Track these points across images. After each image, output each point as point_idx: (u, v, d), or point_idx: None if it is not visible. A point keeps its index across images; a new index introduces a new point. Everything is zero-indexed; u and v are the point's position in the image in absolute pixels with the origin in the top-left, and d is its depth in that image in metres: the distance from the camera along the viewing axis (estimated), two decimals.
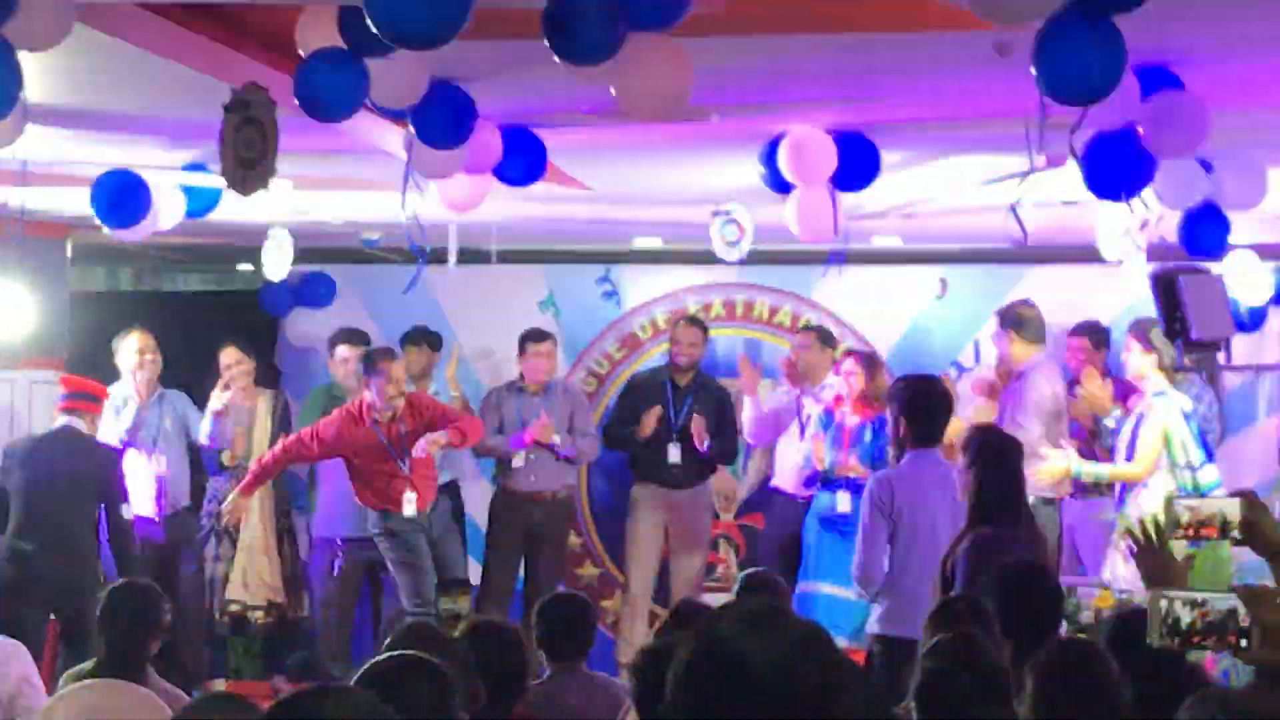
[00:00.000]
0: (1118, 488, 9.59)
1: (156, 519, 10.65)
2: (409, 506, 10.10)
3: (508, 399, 11.23)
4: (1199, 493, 9.14)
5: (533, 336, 11.35)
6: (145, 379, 10.72)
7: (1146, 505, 9.14)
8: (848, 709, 2.79)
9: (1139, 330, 9.76)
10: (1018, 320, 10.35)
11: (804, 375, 11.17)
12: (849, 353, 11.00)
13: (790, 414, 11.10)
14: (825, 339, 11.39)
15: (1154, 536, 4.72)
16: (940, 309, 12.06)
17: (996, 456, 7.01)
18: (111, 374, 10.90)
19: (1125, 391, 10.03)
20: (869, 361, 10.76)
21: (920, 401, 7.59)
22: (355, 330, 11.48)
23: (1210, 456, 9.55)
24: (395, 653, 3.91)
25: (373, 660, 3.78)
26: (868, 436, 10.52)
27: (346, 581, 11.05)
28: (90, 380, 10.11)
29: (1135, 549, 4.78)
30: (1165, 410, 9.47)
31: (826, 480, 10.52)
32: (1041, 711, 4.10)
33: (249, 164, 5.80)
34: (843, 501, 10.46)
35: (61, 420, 9.77)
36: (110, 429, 10.53)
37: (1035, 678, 4.28)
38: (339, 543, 11.01)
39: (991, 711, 4.29)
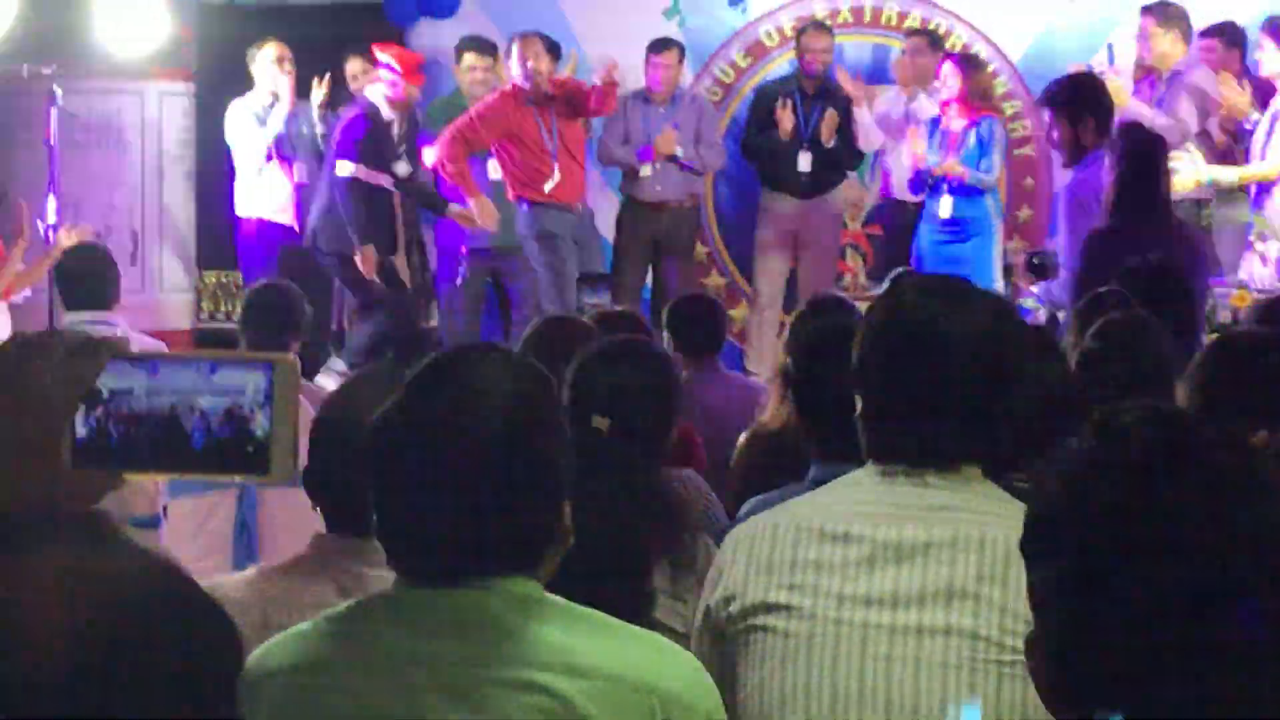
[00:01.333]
0: (1253, 188, 9.42)
1: (296, 228, 10.75)
2: (549, 184, 10.16)
3: (634, 109, 11.17)
4: None
5: (656, 47, 11.26)
6: (286, 88, 10.73)
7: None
8: (1021, 374, 2.90)
9: (1273, 28, 9.53)
10: (1167, 13, 10.07)
11: (915, 79, 11.04)
12: (946, 55, 10.84)
13: (901, 119, 10.99)
14: (935, 42, 11.26)
15: None
16: (1073, 11, 11.78)
17: (1138, 155, 6.92)
18: (237, 86, 10.94)
19: (1265, 93, 9.80)
20: (966, 62, 10.62)
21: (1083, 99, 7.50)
22: (482, 39, 11.39)
23: None
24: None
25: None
26: (971, 140, 10.42)
27: (469, 288, 11.10)
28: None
29: None
30: None
31: (933, 184, 10.47)
32: (1200, 401, 4.03)
33: None
34: (944, 206, 10.41)
35: None
36: (251, 137, 10.59)
37: (1197, 370, 4.20)
38: (463, 252, 11.05)
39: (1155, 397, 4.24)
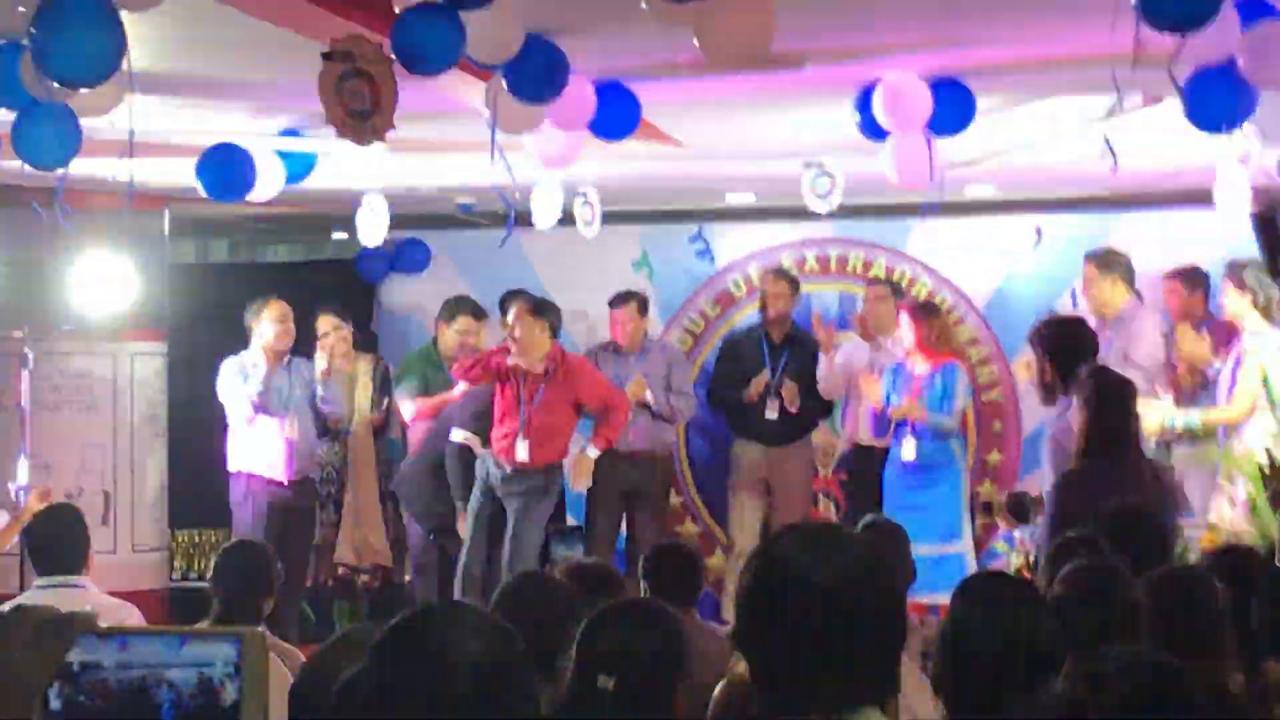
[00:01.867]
0: (1219, 429, 9.49)
1: (285, 483, 10.75)
2: (520, 452, 10.14)
3: (605, 360, 11.23)
4: None
5: (614, 301, 11.42)
6: (285, 346, 10.80)
7: (1251, 444, 9.09)
8: (903, 617, 2.85)
9: (1233, 272, 9.68)
10: (1107, 260, 10.25)
11: (877, 326, 11.19)
12: (900, 307, 10.97)
13: (862, 368, 11.09)
14: (896, 289, 11.46)
15: None
16: (1036, 258, 11.97)
17: (1108, 396, 6.98)
18: (212, 345, 11.02)
19: (1229, 335, 9.92)
20: (919, 310, 10.77)
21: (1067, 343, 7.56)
22: (476, 303, 11.39)
23: None
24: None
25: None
26: (937, 384, 10.53)
27: (442, 548, 11.06)
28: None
29: (1266, 473, 4.76)
30: (1262, 350, 9.36)
31: (895, 427, 10.54)
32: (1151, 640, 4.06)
33: (360, 116, 5.82)
34: (908, 449, 10.47)
35: None
36: (237, 392, 10.64)
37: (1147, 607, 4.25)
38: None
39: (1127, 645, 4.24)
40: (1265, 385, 9.29)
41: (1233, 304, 9.64)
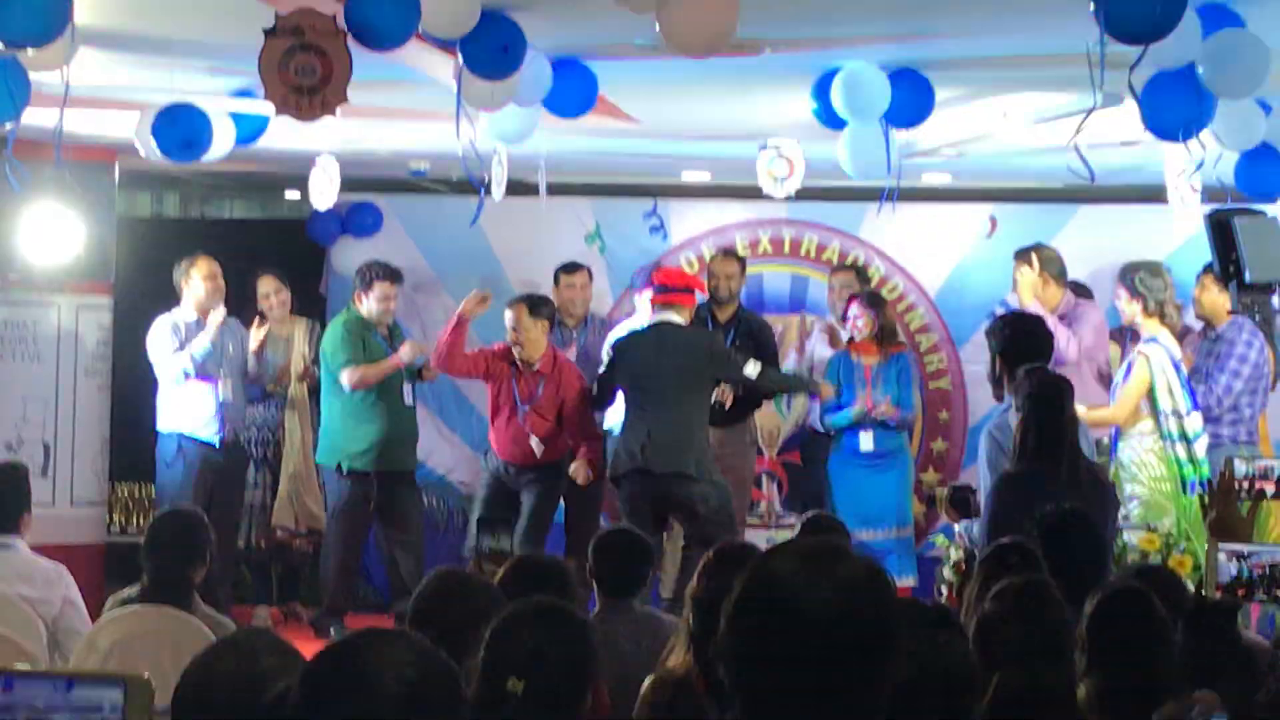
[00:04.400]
0: (1108, 435, 9.48)
1: (217, 445, 10.70)
2: (536, 449, 10.42)
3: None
4: (1186, 440, 9.12)
5: (565, 268, 11.38)
6: (216, 303, 10.72)
7: (1136, 451, 9.14)
8: (899, 649, 2.75)
9: (1124, 277, 9.67)
10: (1039, 257, 10.23)
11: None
12: (852, 297, 10.93)
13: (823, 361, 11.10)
14: (863, 275, 11.47)
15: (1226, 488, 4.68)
16: (989, 248, 11.96)
17: (1044, 397, 6.96)
18: (158, 299, 10.93)
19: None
20: (873, 301, 10.76)
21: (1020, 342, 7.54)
22: (393, 267, 11.24)
23: (1195, 404, 9.39)
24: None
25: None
26: (891, 373, 10.55)
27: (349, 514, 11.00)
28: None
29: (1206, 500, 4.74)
30: (1152, 358, 9.34)
31: (857, 423, 10.56)
32: (1094, 660, 4.05)
33: (306, 91, 5.76)
34: (866, 440, 10.50)
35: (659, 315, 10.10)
36: (169, 352, 10.56)
37: (1087, 627, 4.24)
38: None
39: (1052, 666, 4.23)
40: (1151, 394, 9.27)
41: (1126, 309, 9.64)
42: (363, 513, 10.83)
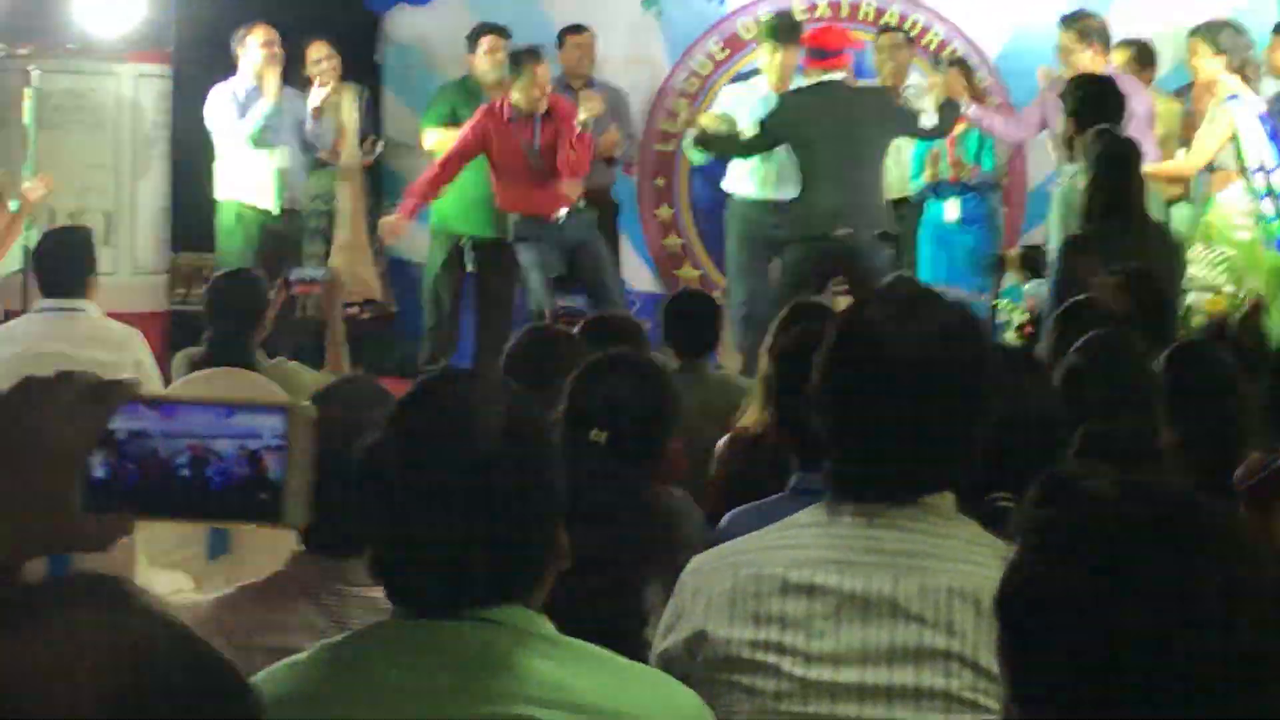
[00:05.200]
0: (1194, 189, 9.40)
1: (276, 212, 10.76)
2: (570, 191, 10.22)
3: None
4: (1274, 196, 9.04)
5: (571, 30, 11.33)
6: (274, 71, 10.70)
7: (1223, 211, 9.07)
8: (991, 392, 2.81)
9: (1206, 32, 9.52)
10: (1083, 26, 10.02)
11: (894, 75, 10.88)
12: (951, 63, 10.84)
13: None
14: (910, 37, 11.31)
15: None
16: (1048, 8, 11.78)
17: (1112, 158, 6.94)
18: (216, 68, 10.92)
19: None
20: (963, 66, 10.69)
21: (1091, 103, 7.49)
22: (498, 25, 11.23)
23: None
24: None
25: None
26: (971, 138, 10.51)
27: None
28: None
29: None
30: (1236, 111, 9.20)
31: (936, 186, 10.53)
32: (1171, 411, 4.09)
33: None
34: (950, 209, 10.48)
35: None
36: (228, 120, 10.58)
37: (1163, 379, 4.28)
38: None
39: (1136, 415, 4.26)
40: (1236, 147, 9.15)
41: (1206, 66, 9.49)
42: (456, 276, 10.93)
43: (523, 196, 10.26)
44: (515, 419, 2.41)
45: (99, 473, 1.63)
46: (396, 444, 2.40)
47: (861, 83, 10.28)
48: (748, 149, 10.08)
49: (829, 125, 9.55)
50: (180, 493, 1.64)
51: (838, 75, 9.87)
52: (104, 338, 7.12)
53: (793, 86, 10.14)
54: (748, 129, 10.07)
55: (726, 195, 10.83)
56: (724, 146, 10.22)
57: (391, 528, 2.39)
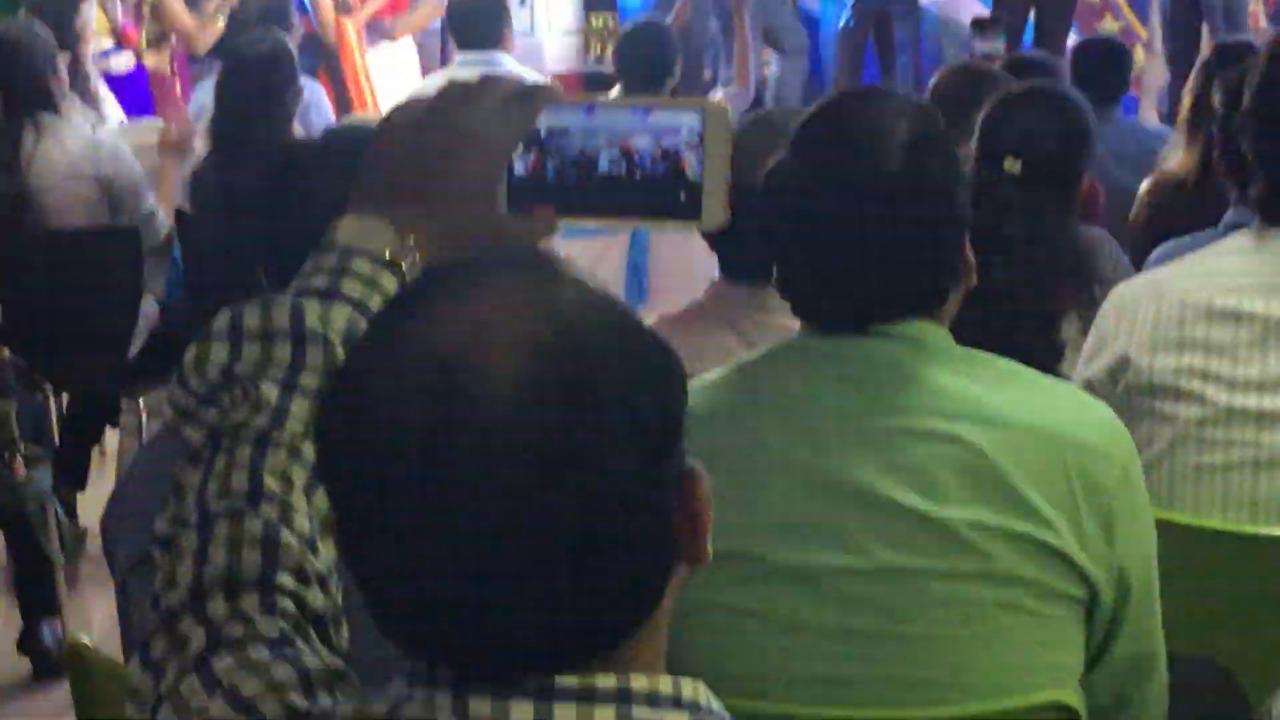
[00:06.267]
0: None
1: None
2: None
3: None
4: None
5: None
6: None
7: None
8: None
9: None
10: None
11: None
12: None
13: None
14: None
15: None
16: None
17: None
18: None
19: None
20: None
21: None
22: None
23: None
24: None
25: None
26: None
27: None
28: None
29: None
30: None
31: None
32: None
33: None
34: None
35: None
36: None
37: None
38: None
39: None
40: None
41: None
42: None
43: None
44: (918, 133, 2.37)
45: (521, 167, 1.65)
46: (799, 164, 2.38)
47: None
48: None
49: None
50: (601, 191, 1.65)
51: None
52: None
53: None
54: None
55: None
56: None
57: (797, 246, 2.38)
